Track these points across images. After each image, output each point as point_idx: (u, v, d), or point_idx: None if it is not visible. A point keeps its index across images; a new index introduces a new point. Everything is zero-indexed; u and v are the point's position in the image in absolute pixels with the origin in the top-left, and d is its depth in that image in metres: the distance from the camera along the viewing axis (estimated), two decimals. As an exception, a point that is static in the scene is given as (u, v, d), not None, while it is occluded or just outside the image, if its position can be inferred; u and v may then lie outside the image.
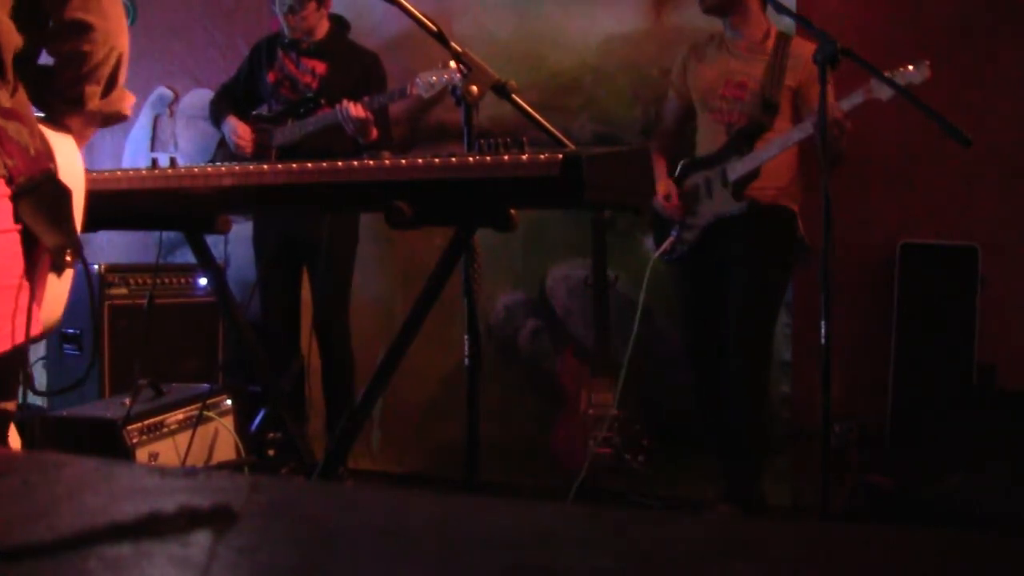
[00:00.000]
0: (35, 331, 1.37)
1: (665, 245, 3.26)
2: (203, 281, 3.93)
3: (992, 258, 3.41)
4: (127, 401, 2.86)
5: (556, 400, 3.62)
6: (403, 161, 1.75)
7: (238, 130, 3.61)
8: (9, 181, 1.30)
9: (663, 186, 3.20)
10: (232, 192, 1.92)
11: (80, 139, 1.53)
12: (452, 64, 2.04)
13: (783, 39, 3.15)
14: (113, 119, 1.57)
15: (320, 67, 3.59)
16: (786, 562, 0.51)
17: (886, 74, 2.60)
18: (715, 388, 3.23)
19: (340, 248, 3.60)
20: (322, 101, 3.51)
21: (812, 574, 0.49)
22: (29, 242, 1.34)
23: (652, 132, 3.58)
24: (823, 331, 2.40)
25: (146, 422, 2.83)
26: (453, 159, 1.71)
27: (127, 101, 1.56)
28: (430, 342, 3.85)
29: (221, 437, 3.11)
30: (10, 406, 1.37)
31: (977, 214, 3.49)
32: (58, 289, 1.43)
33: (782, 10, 2.72)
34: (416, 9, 2.03)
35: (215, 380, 3.57)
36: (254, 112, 3.72)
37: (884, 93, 2.68)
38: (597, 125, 3.80)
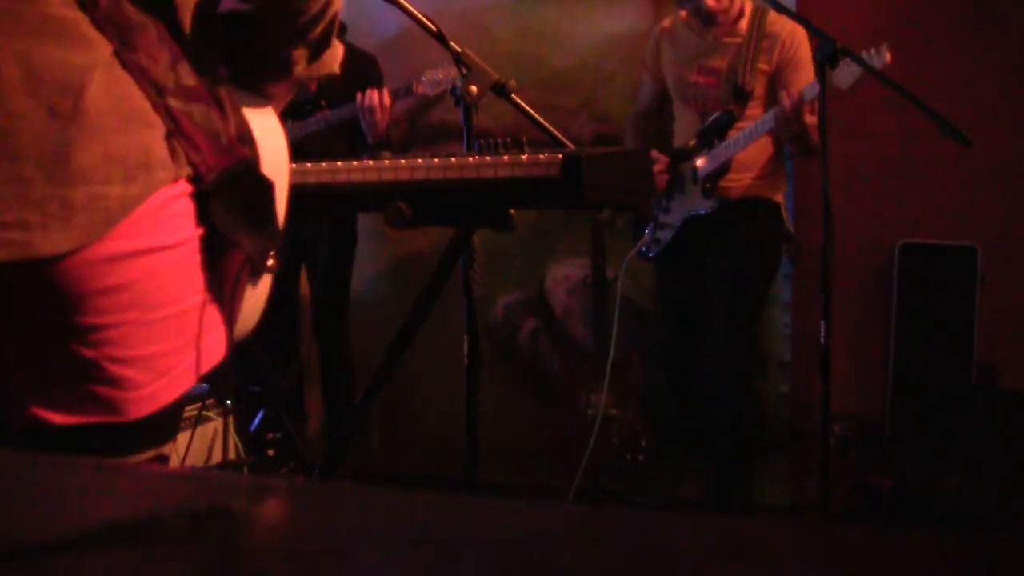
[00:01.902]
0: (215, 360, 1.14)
1: (639, 244, 3.19)
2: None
3: (991, 258, 3.41)
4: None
5: (556, 400, 3.61)
6: (403, 161, 1.75)
7: None
8: (194, 179, 1.02)
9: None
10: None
11: (277, 109, 1.24)
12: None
13: (758, 16, 2.91)
14: (316, 81, 1.32)
15: (318, 68, 3.59)
16: (786, 562, 0.51)
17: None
18: (690, 391, 3.14)
19: (339, 247, 3.60)
20: (323, 103, 3.51)
21: (812, 574, 0.49)
22: (216, 248, 1.06)
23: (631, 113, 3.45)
24: (822, 331, 2.40)
25: (146, 422, 2.83)
26: (453, 159, 1.71)
27: (338, 58, 1.25)
28: (429, 342, 3.85)
29: (220, 437, 3.11)
30: (167, 450, 1.12)
31: (977, 214, 3.49)
32: (253, 297, 1.20)
33: (781, 10, 2.71)
34: (416, 9, 2.03)
35: (215, 380, 3.56)
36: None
37: (843, 82, 2.54)
38: (597, 125, 3.79)
